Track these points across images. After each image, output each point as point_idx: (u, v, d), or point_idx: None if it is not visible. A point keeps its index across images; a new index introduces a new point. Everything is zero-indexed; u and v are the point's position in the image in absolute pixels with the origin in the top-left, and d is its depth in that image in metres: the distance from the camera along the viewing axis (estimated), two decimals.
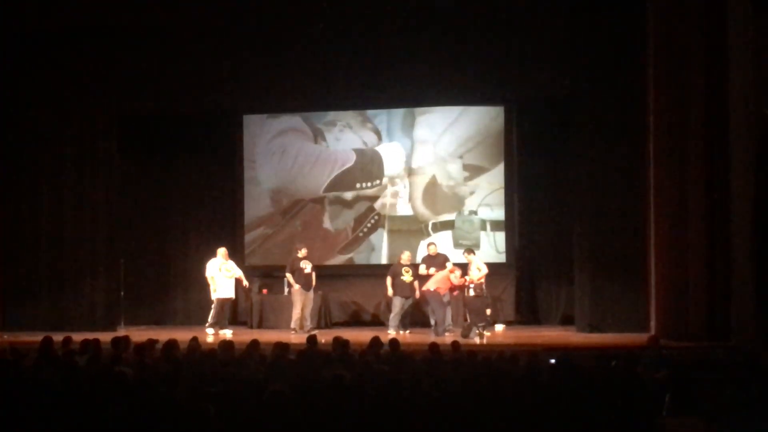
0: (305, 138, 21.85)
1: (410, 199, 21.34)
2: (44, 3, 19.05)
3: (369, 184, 21.60)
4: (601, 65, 18.46)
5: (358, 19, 19.26)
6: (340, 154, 21.78)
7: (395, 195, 21.42)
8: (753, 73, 15.76)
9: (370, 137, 21.60)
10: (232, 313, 20.88)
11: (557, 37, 18.85)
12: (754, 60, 15.79)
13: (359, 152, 21.69)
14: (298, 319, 19.53)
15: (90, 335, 14.55)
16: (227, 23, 19.42)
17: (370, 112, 21.61)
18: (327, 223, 21.71)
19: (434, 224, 21.15)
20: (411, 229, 21.27)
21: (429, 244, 19.95)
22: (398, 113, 21.43)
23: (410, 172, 21.35)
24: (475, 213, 21.07)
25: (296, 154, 21.94)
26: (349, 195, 21.63)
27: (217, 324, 19.44)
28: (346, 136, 21.68)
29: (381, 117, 21.60)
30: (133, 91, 20.30)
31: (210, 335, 18.89)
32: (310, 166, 21.93)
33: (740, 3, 15.95)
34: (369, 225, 21.50)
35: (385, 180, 21.41)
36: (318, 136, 21.80)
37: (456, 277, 18.60)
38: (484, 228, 21.03)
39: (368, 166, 21.63)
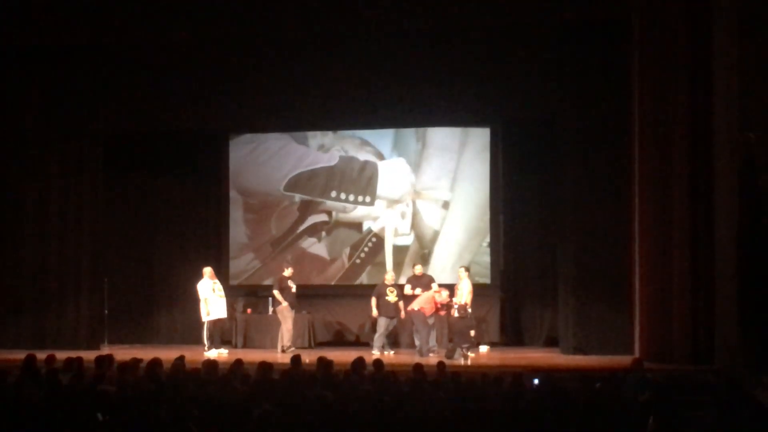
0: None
1: (413, 224, 21.21)
2: (31, 21, 19.00)
3: (352, 197, 21.32)
4: (587, 87, 18.50)
5: (346, 41, 19.27)
6: (318, 154, 21.51)
7: (399, 217, 21.19)
8: (737, 95, 15.82)
9: (370, 159, 21.41)
10: None
11: (543, 58, 18.90)
12: (738, 83, 15.86)
13: (346, 158, 21.42)
14: (291, 336, 19.51)
15: (73, 353, 14.51)
16: (215, 42, 19.40)
17: (371, 134, 21.48)
18: (321, 250, 21.60)
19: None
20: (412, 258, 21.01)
21: (414, 264, 19.95)
22: (407, 133, 21.36)
23: (417, 193, 21.21)
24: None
25: (269, 148, 21.88)
26: (321, 203, 21.41)
27: (213, 344, 19.38)
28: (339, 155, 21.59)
29: (385, 136, 21.41)
30: (119, 109, 20.28)
31: (215, 354, 18.75)
32: (275, 156, 21.71)
33: (726, 26, 16.02)
34: (366, 249, 21.38)
35: (379, 201, 21.21)
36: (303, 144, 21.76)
37: (441, 297, 18.62)
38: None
39: (354, 177, 21.32)
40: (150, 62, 19.85)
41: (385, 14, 18.31)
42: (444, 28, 18.74)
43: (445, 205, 21.04)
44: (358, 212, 21.32)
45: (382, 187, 21.25)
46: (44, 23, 19.01)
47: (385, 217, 21.21)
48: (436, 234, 21.05)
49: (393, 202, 21.18)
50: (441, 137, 21.18)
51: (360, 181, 21.34)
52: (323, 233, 21.53)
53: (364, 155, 21.38)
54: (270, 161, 21.77)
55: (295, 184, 21.58)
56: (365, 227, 21.32)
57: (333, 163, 21.48)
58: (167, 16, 18.68)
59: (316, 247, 21.58)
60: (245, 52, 19.71)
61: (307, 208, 21.56)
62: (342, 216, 21.39)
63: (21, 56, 19.88)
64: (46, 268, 20.32)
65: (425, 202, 21.12)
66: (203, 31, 18.97)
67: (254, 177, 21.83)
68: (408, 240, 21.18)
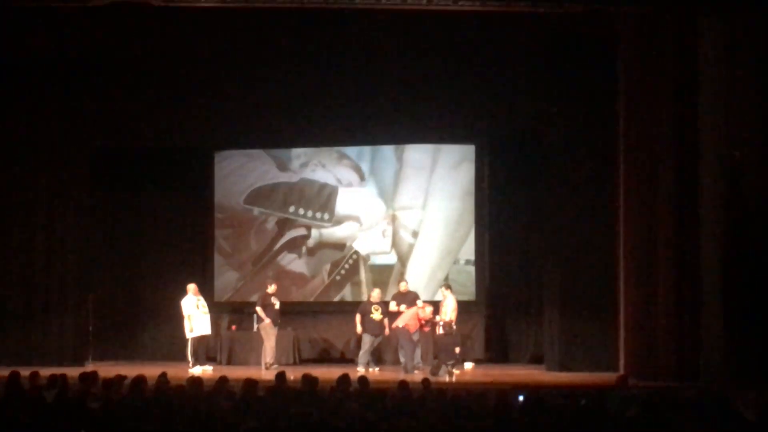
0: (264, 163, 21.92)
1: (393, 243, 21.25)
2: (16, 36, 18.97)
3: (310, 214, 21.36)
4: (572, 104, 18.60)
5: (330, 57, 19.30)
6: (280, 173, 21.67)
7: (381, 235, 21.23)
8: (723, 112, 15.87)
9: (348, 175, 21.50)
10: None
11: (529, 75, 18.98)
12: (724, 101, 15.91)
13: (307, 181, 21.53)
14: (273, 353, 19.44)
15: (58, 370, 14.41)
16: (201, 59, 19.42)
17: (350, 150, 21.51)
18: (301, 267, 21.60)
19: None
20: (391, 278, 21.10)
21: (400, 281, 19.93)
22: (385, 149, 21.43)
23: (393, 215, 21.25)
24: (472, 263, 21.07)
25: (233, 161, 22.01)
26: (279, 215, 21.54)
27: (198, 360, 19.31)
28: (317, 174, 21.63)
29: (363, 154, 21.48)
30: (106, 124, 20.26)
31: (200, 371, 18.54)
32: (239, 170, 21.89)
33: (711, 44, 16.06)
34: (346, 266, 21.39)
35: (352, 222, 21.25)
36: (282, 167, 21.79)
37: (425, 313, 18.60)
38: None
39: (314, 194, 21.42)
40: (136, 79, 19.84)
41: (367, 31, 18.36)
42: (428, 44, 18.77)
43: (420, 223, 21.15)
44: (339, 231, 21.36)
45: (352, 207, 21.36)
46: (30, 38, 19.00)
47: (364, 235, 21.27)
48: (412, 251, 21.14)
49: (367, 223, 21.27)
50: (417, 154, 21.27)
51: (319, 198, 21.48)
52: (303, 249, 21.52)
53: (339, 171, 21.45)
54: (233, 174, 21.91)
55: (255, 198, 21.71)
56: (347, 245, 21.35)
57: (294, 180, 21.59)
58: (154, 34, 18.69)
59: (297, 263, 21.58)
60: (229, 71, 19.71)
61: (284, 224, 21.60)
62: (324, 233, 21.40)
63: (7, 71, 19.79)
64: (31, 283, 20.20)
65: (403, 221, 21.16)
66: (189, 49, 19.02)
67: (220, 190, 21.93)
68: (391, 259, 21.19)
